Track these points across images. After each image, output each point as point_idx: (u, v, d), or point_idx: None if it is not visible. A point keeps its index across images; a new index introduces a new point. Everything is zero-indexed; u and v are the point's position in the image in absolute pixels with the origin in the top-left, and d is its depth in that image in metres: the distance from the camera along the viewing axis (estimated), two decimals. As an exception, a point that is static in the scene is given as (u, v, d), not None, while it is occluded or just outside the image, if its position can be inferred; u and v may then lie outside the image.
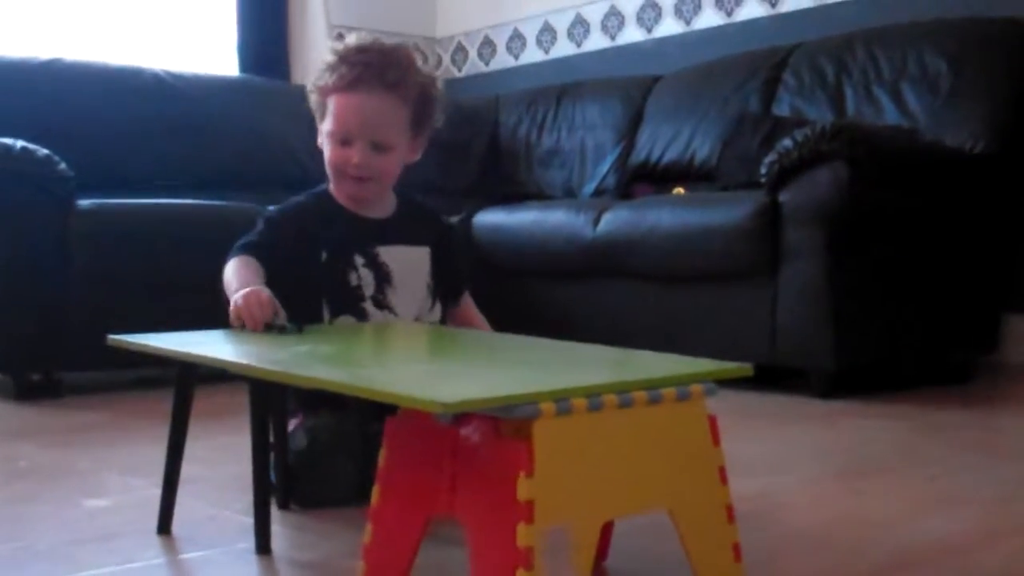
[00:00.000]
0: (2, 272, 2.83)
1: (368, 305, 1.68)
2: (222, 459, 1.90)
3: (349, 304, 1.68)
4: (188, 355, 1.30)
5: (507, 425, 1.01)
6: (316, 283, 1.67)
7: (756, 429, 2.30)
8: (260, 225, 1.71)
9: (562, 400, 0.99)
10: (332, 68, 1.68)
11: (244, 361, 1.20)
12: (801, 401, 2.64)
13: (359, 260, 1.69)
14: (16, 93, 3.50)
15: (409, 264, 1.73)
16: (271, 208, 1.78)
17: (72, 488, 1.76)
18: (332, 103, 1.69)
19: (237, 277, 1.56)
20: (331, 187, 1.76)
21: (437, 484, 1.08)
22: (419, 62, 1.73)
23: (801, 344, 2.67)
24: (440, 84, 1.76)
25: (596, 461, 1.02)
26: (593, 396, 1.01)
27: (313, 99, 1.73)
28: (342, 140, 1.69)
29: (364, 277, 1.69)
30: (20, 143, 2.86)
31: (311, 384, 1.08)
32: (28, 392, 2.84)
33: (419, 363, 1.27)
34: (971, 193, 2.90)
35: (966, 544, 1.38)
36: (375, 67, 1.66)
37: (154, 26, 4.57)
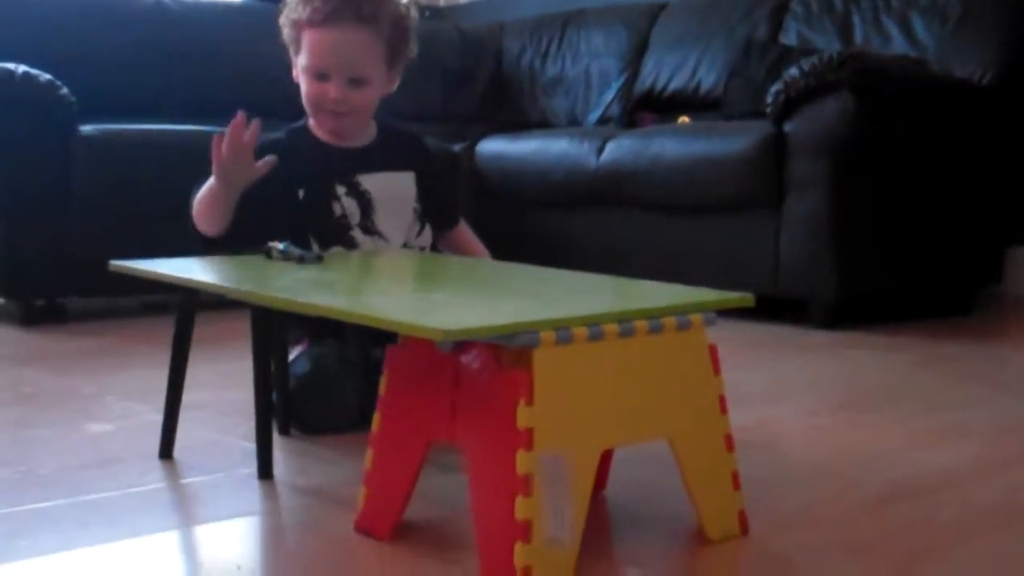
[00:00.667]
0: (5, 198, 2.81)
1: (357, 233, 1.68)
2: (225, 384, 1.91)
3: (337, 234, 1.68)
4: (190, 281, 1.29)
5: (507, 353, 1.01)
6: (300, 218, 1.67)
7: (756, 359, 2.30)
8: None
9: (562, 329, 0.99)
10: (305, 1, 1.65)
11: (246, 288, 1.20)
12: (802, 332, 2.64)
13: (341, 190, 1.69)
14: (16, 19, 3.46)
15: (392, 189, 1.73)
16: None
17: (75, 413, 1.78)
18: (307, 37, 1.67)
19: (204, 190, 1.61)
20: (310, 121, 1.76)
21: (438, 411, 1.08)
22: None
23: (803, 275, 2.67)
24: (414, 13, 1.75)
25: (596, 390, 1.02)
26: (593, 325, 1.01)
27: (286, 32, 1.71)
28: (319, 75, 1.67)
29: (348, 206, 1.69)
30: (22, 68, 2.83)
31: (313, 311, 1.08)
32: (33, 317, 2.85)
33: (421, 291, 1.27)
34: (978, 125, 2.88)
35: (965, 475, 1.39)
36: (350, 1, 1.64)
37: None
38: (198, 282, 1.28)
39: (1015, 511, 1.25)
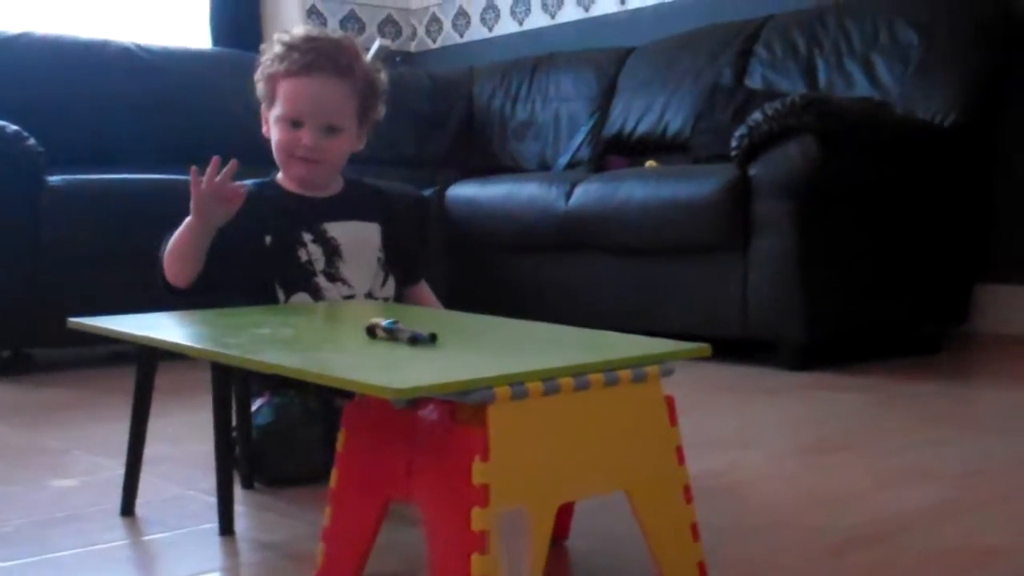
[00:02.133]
0: (-29, 250, 2.80)
1: (320, 280, 1.69)
2: (189, 437, 1.90)
3: (302, 281, 1.68)
4: (147, 339, 1.29)
5: (462, 409, 1.01)
6: (265, 265, 1.68)
7: (724, 403, 2.31)
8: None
9: (517, 384, 0.99)
10: (282, 56, 1.70)
11: (202, 346, 1.20)
12: (771, 373, 2.66)
13: (307, 237, 1.70)
14: (-15, 68, 3.46)
15: (358, 239, 1.74)
16: None
17: (41, 468, 1.76)
18: (283, 87, 1.70)
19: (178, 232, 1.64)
20: (278, 176, 1.78)
21: (394, 468, 1.08)
22: (363, 55, 1.76)
23: (771, 316, 2.69)
24: (384, 77, 1.79)
25: (552, 444, 1.03)
26: (548, 379, 1.01)
27: (260, 87, 1.75)
28: (293, 122, 1.70)
29: (313, 252, 1.70)
30: (-12, 120, 2.83)
31: (267, 369, 1.07)
32: (0, 369, 2.83)
33: (376, 346, 1.27)
34: (942, 165, 2.92)
35: (927, 519, 1.40)
36: (326, 53, 1.69)
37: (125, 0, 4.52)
38: (156, 340, 1.27)
39: (974, 555, 1.25)
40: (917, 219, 2.87)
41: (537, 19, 4.54)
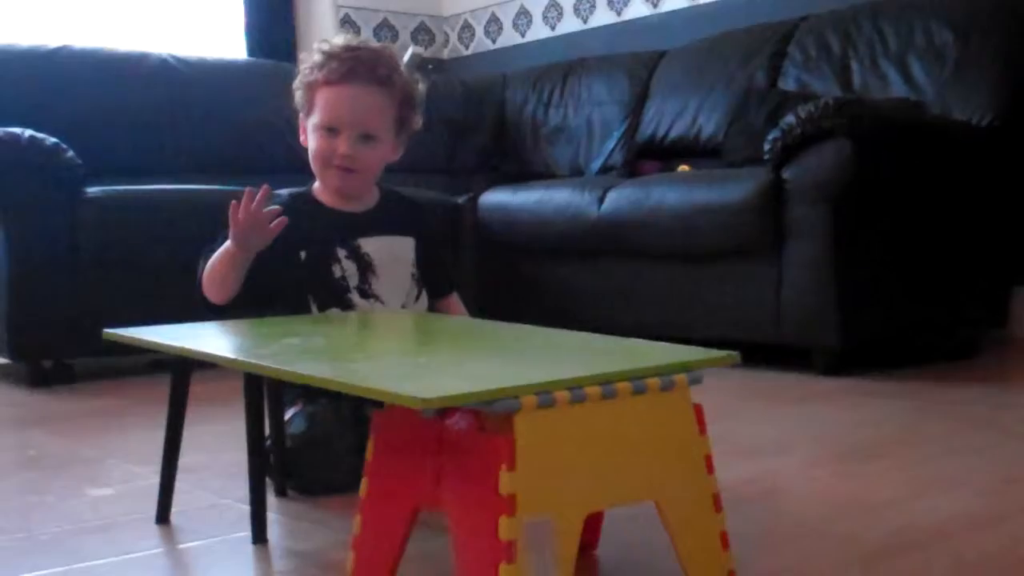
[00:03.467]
0: (13, 261, 2.85)
1: (354, 296, 1.70)
2: (225, 446, 1.91)
3: (335, 296, 1.69)
4: (180, 349, 1.31)
5: (489, 418, 1.01)
6: (300, 279, 1.69)
7: (757, 410, 2.30)
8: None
9: (544, 393, 0.99)
10: (320, 64, 1.71)
11: (233, 356, 1.21)
12: (805, 380, 2.63)
13: (341, 252, 1.71)
14: (24, 81, 3.51)
15: (392, 254, 1.75)
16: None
17: (78, 477, 1.79)
18: (321, 95, 1.71)
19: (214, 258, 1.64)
20: (314, 186, 1.78)
21: (422, 477, 1.08)
22: (403, 67, 1.77)
23: (805, 322, 2.67)
24: (422, 88, 1.80)
25: (579, 453, 1.02)
26: (575, 388, 1.01)
27: (299, 96, 1.75)
28: (329, 129, 1.71)
29: (347, 268, 1.70)
30: (28, 132, 2.88)
31: (298, 379, 1.08)
32: (41, 379, 2.88)
33: (407, 355, 1.28)
34: (978, 166, 2.88)
35: (962, 527, 1.38)
36: (366, 62, 1.70)
37: (162, 11, 4.57)
38: (189, 350, 1.29)
39: (1012, 565, 1.24)
40: (954, 221, 2.84)
41: (569, 24, 4.54)
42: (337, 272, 1.70)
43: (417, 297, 1.77)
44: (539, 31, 4.67)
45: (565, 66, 4.20)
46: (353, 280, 1.70)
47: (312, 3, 4.87)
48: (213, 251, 1.65)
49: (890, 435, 2.01)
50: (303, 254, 1.70)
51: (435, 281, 1.82)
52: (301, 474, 1.60)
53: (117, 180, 3.11)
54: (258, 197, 1.57)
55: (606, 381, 1.04)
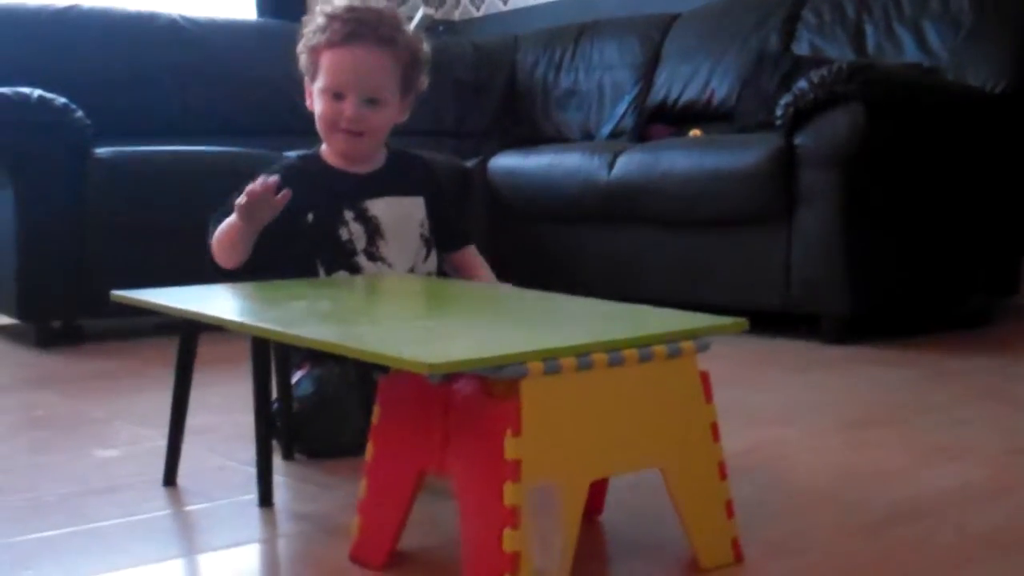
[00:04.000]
0: (22, 221, 2.85)
1: (361, 259, 1.69)
2: (233, 407, 1.92)
3: (342, 259, 1.69)
4: (187, 312, 1.30)
5: (496, 384, 1.01)
6: (307, 242, 1.69)
7: (766, 377, 2.29)
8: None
9: (550, 359, 0.99)
10: (323, 27, 1.68)
11: (239, 319, 1.21)
12: (814, 347, 2.63)
13: (348, 215, 1.70)
14: (34, 41, 3.50)
15: (400, 215, 1.73)
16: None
17: (85, 438, 1.79)
18: (325, 59, 1.69)
19: (224, 225, 1.64)
20: (322, 148, 1.77)
21: (429, 441, 1.08)
22: (406, 25, 1.75)
23: (815, 289, 2.66)
24: (427, 48, 1.77)
25: (585, 420, 1.02)
26: (582, 355, 1.01)
27: (303, 60, 1.73)
28: (335, 94, 1.69)
29: (355, 231, 1.69)
30: (37, 92, 2.86)
31: (303, 343, 1.08)
32: (50, 340, 2.88)
33: (413, 320, 1.27)
34: (991, 133, 2.85)
35: (966, 498, 1.38)
36: (369, 23, 1.67)
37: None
38: (195, 313, 1.29)
39: (1014, 538, 1.23)
40: (966, 188, 2.82)
41: (582, -15, 4.49)
42: (344, 235, 1.69)
43: (426, 257, 1.76)
44: (551, -8, 4.62)
45: (577, 28, 4.16)
46: (360, 243, 1.70)
47: (322, -37, 4.82)
48: (224, 215, 1.65)
49: (897, 404, 2.00)
50: (310, 216, 1.69)
51: (447, 236, 1.81)
52: (308, 436, 1.60)
53: (126, 141, 3.10)
54: (278, 198, 1.58)
55: (613, 348, 1.04)
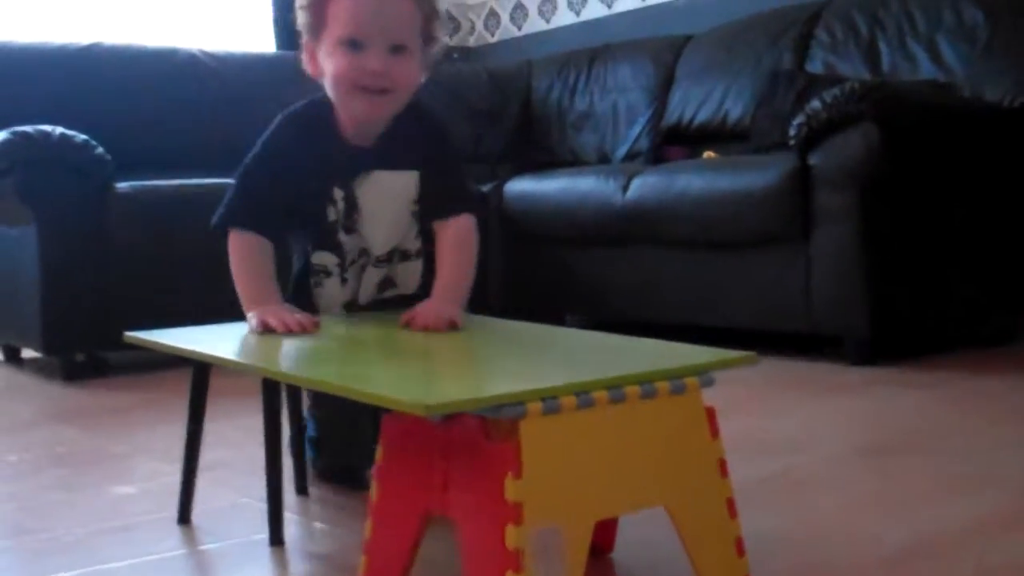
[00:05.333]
0: (45, 256, 2.88)
1: (340, 234, 1.54)
2: (248, 441, 1.92)
3: (326, 237, 1.54)
4: (195, 353, 1.31)
5: (495, 424, 1.00)
6: (299, 214, 1.54)
7: (784, 400, 2.27)
8: (247, 177, 1.54)
9: (549, 399, 0.98)
10: None
11: (244, 360, 1.21)
12: (835, 369, 2.60)
13: (339, 193, 1.52)
14: (56, 78, 3.54)
15: (389, 191, 1.54)
16: (259, 146, 1.57)
17: (104, 475, 1.81)
18: (339, 6, 1.45)
19: (246, 272, 1.49)
20: (331, 101, 1.52)
21: (432, 482, 1.08)
22: None
23: (835, 310, 2.63)
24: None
25: (587, 459, 1.02)
26: (582, 393, 1.00)
27: (302, 16, 1.50)
28: (354, 43, 1.44)
29: (341, 210, 1.53)
30: (59, 129, 2.90)
31: (306, 384, 1.09)
32: (75, 373, 2.91)
33: (411, 358, 1.26)
34: (1010, 148, 2.82)
35: (990, 529, 1.35)
36: None
37: (191, 7, 4.59)
38: (202, 354, 1.29)
39: (1033, 567, 1.21)
40: (986, 204, 2.79)
41: (595, 9, 4.50)
42: (331, 215, 1.52)
43: (417, 234, 1.58)
44: (564, 17, 4.63)
45: (590, 52, 4.16)
46: (341, 219, 1.53)
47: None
48: (241, 215, 1.51)
49: (918, 429, 1.97)
50: (312, 183, 1.52)
51: (435, 203, 1.55)
52: (327, 456, 1.56)
53: (147, 174, 3.12)
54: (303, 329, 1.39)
55: (614, 385, 1.03)
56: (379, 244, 1.56)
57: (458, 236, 1.53)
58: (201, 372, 1.45)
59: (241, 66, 4.01)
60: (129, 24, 4.37)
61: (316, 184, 1.51)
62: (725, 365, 1.13)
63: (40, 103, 3.36)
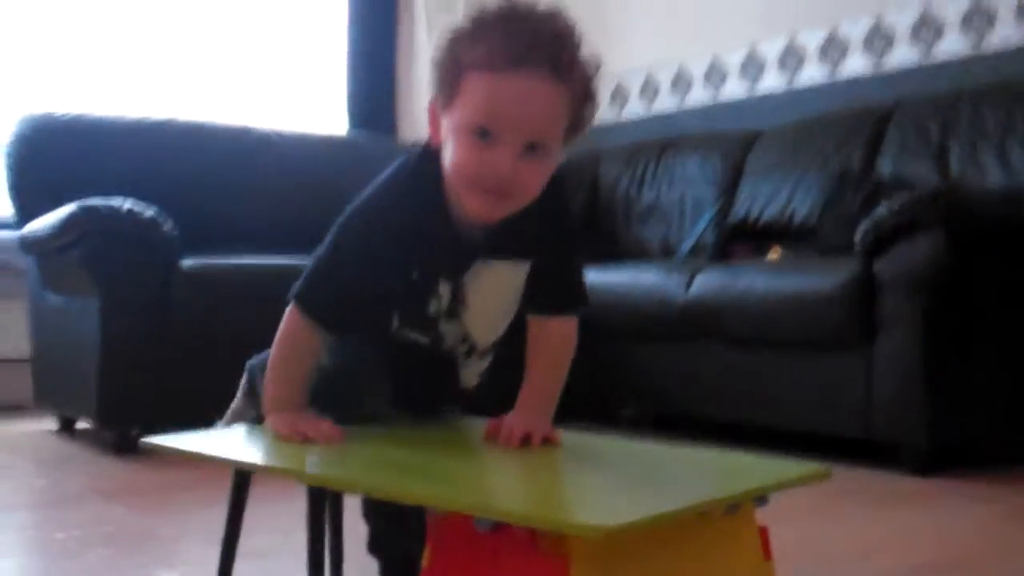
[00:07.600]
0: (106, 328, 2.92)
1: (441, 323, 1.37)
2: (298, 526, 1.89)
3: (422, 326, 1.38)
4: (228, 461, 1.28)
5: (545, 537, 0.98)
6: (393, 298, 1.37)
7: (839, 510, 2.21)
8: (339, 262, 1.37)
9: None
10: (474, 37, 1.21)
11: (315, 471, 1.18)
12: (892, 479, 2.53)
13: (444, 288, 1.34)
14: (131, 153, 3.65)
15: (497, 282, 1.36)
16: (357, 211, 1.38)
17: (149, 556, 1.80)
18: (474, 84, 1.20)
19: (284, 374, 1.39)
20: (445, 184, 1.29)
21: (478, 590, 1.06)
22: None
23: (894, 418, 2.57)
24: (601, 74, 1.27)
25: (635, 577, 0.99)
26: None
27: (439, 73, 1.25)
28: (483, 134, 1.20)
29: (444, 303, 1.35)
30: (127, 204, 2.96)
31: (412, 500, 1.06)
32: (127, 446, 2.91)
33: (498, 474, 1.22)
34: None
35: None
36: (543, 43, 1.19)
37: (266, 85, 4.71)
38: (241, 463, 1.27)
39: None
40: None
41: (665, 102, 4.53)
42: (433, 308, 1.35)
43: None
44: (635, 108, 4.66)
45: (660, 144, 4.18)
46: (444, 309, 1.36)
47: (413, 74, 4.95)
48: (315, 302, 1.40)
49: (976, 545, 1.91)
50: (415, 273, 1.34)
51: (544, 298, 1.38)
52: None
53: (214, 252, 3.17)
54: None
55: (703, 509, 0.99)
56: (488, 338, 1.41)
57: (562, 339, 1.39)
58: (242, 478, 1.37)
59: (313, 147, 4.10)
60: (203, 102, 4.50)
61: (421, 278, 1.34)
62: (802, 482, 1.09)
63: (114, 176, 3.45)
